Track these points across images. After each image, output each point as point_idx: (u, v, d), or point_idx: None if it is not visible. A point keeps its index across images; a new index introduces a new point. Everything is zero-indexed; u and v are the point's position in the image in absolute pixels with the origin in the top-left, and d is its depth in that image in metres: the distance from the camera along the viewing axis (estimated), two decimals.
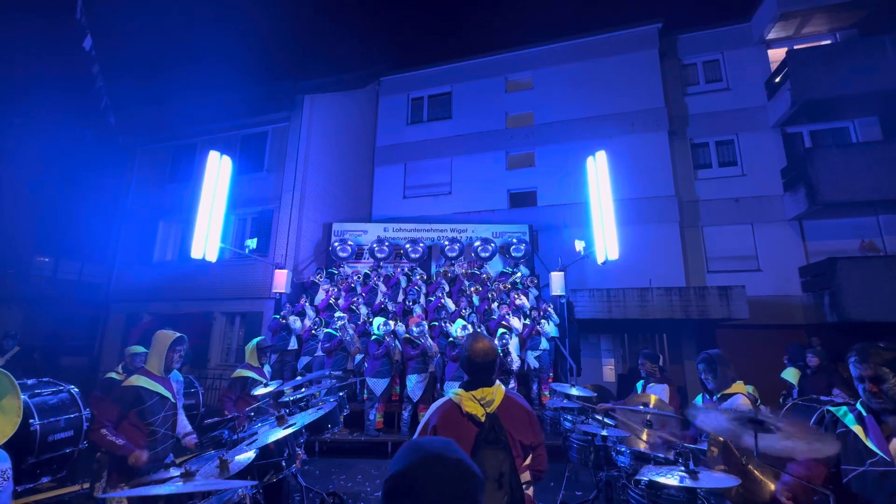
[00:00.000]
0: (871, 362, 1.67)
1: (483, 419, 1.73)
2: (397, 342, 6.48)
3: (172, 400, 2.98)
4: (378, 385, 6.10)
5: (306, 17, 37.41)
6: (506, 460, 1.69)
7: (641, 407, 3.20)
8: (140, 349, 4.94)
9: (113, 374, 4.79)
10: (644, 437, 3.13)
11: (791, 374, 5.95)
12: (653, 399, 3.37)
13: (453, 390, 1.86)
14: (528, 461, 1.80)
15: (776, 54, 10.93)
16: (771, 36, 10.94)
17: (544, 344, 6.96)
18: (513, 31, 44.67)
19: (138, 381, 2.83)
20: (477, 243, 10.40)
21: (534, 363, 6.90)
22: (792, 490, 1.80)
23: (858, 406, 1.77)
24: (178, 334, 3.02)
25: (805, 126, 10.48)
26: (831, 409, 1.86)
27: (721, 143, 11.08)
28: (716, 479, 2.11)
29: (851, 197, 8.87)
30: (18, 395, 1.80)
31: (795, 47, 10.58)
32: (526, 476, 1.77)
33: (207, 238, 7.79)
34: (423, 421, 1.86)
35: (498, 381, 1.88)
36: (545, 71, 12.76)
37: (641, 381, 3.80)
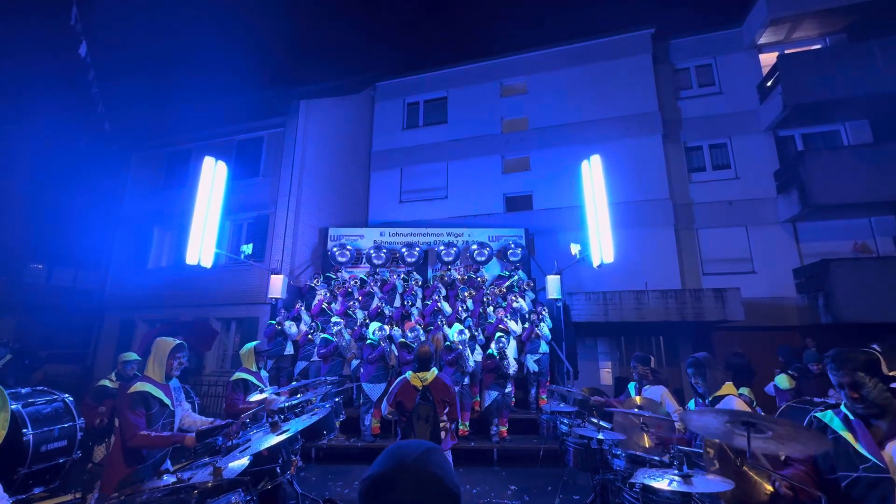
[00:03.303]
0: (847, 368, 1.65)
1: (421, 388, 3.29)
2: (393, 347, 6.47)
3: (171, 408, 2.97)
4: (374, 390, 6.08)
5: (302, 23, 37.54)
6: (431, 409, 3.22)
7: (635, 410, 3.21)
8: (132, 356, 4.89)
9: (105, 382, 4.72)
10: (645, 442, 3.14)
11: (784, 381, 5.95)
12: (638, 400, 3.39)
13: (408, 372, 3.41)
14: (447, 410, 3.29)
15: (767, 59, 11.07)
16: (762, 41, 11.07)
17: (544, 347, 6.96)
18: (507, 37, 45.00)
19: (143, 387, 2.81)
20: (473, 247, 10.43)
21: (533, 367, 6.90)
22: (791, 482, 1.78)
23: (843, 409, 1.75)
24: (179, 341, 3.00)
25: (797, 129, 10.60)
26: (817, 415, 1.84)
27: (714, 147, 11.18)
28: (710, 482, 2.11)
29: (843, 199, 8.97)
30: (7, 408, 1.79)
31: (786, 52, 10.73)
32: (444, 418, 3.27)
33: (203, 244, 7.76)
34: (389, 390, 3.44)
35: (433, 368, 3.41)
36: (540, 76, 12.86)
37: (633, 384, 3.81)
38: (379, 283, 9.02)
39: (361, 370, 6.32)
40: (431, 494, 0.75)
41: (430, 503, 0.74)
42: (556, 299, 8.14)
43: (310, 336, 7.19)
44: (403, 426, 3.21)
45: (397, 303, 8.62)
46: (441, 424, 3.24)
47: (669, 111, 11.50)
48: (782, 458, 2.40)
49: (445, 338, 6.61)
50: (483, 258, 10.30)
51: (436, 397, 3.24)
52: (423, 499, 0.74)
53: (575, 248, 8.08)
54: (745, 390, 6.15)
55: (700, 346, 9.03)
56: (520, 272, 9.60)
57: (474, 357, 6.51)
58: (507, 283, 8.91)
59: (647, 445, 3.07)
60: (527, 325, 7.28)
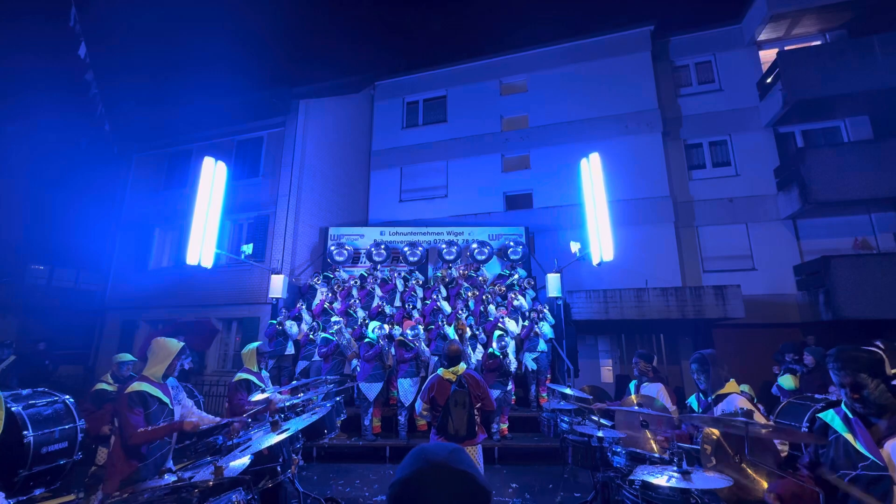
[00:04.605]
0: (850, 369, 1.64)
1: (454, 380, 3.53)
2: (392, 346, 6.46)
3: (170, 406, 2.97)
4: (371, 389, 6.06)
5: (301, 23, 37.50)
6: (466, 397, 3.44)
7: (635, 407, 3.21)
8: (127, 357, 4.86)
9: (104, 386, 4.61)
10: (650, 438, 3.13)
11: (789, 382, 5.93)
12: (635, 398, 3.39)
13: (440, 368, 3.66)
14: (479, 404, 3.52)
15: (767, 55, 11.03)
16: (762, 37, 11.04)
17: (542, 346, 6.95)
18: (507, 35, 44.89)
19: (140, 386, 2.82)
20: (473, 246, 10.43)
21: (531, 365, 6.90)
22: (782, 492, 1.79)
23: (843, 408, 1.75)
24: (183, 343, 3.01)
25: (797, 126, 10.57)
26: (819, 415, 1.84)
27: (714, 144, 11.16)
28: (709, 479, 2.11)
29: (844, 195, 8.94)
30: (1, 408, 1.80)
31: (786, 48, 10.69)
32: (475, 412, 3.47)
33: (203, 244, 7.76)
34: (423, 387, 3.70)
35: (462, 363, 3.65)
36: (539, 74, 12.83)
37: (634, 382, 3.82)
38: (379, 282, 9.02)
39: (359, 369, 6.31)
40: (465, 492, 0.72)
41: (464, 501, 0.72)
42: (557, 297, 8.13)
43: (311, 336, 7.20)
44: (440, 416, 3.44)
45: (398, 302, 8.62)
46: (474, 412, 3.48)
47: (669, 108, 11.48)
48: (784, 453, 2.40)
49: (446, 336, 6.62)
50: (483, 257, 10.30)
51: (469, 388, 3.50)
52: (457, 496, 0.72)
53: (575, 247, 8.07)
54: (745, 387, 6.15)
55: (701, 344, 9.04)
56: (520, 270, 9.60)
57: (476, 356, 6.51)
58: (508, 282, 8.91)
59: (654, 451, 3.06)
60: (526, 322, 7.28)
